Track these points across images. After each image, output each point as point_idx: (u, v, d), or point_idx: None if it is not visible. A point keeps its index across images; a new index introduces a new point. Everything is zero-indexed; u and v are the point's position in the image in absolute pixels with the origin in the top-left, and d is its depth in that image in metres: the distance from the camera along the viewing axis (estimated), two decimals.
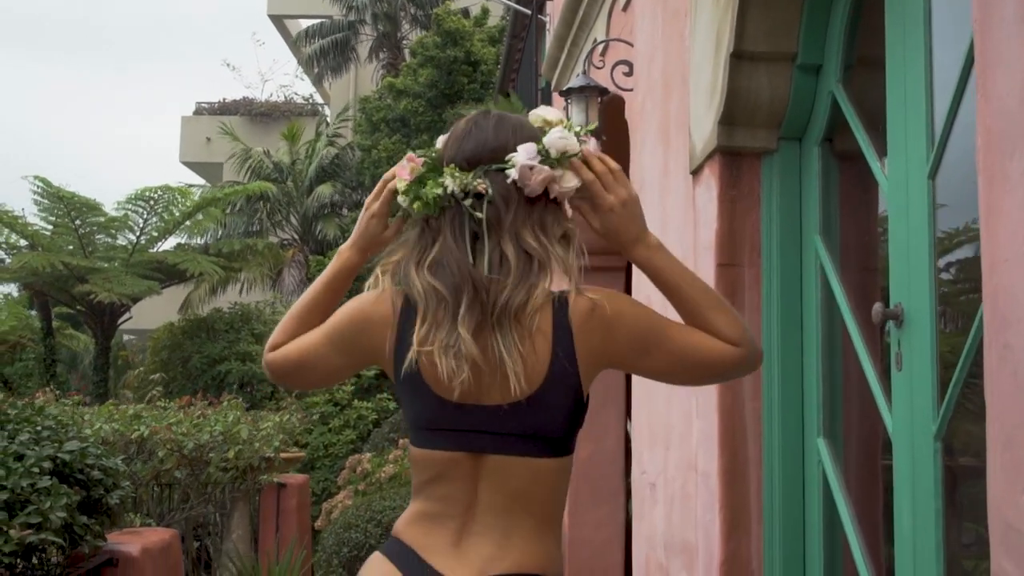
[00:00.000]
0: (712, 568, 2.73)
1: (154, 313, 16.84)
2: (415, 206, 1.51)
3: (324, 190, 16.71)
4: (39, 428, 2.72)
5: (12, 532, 2.34)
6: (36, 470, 2.49)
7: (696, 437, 2.93)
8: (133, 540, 3.33)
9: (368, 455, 9.93)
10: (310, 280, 16.25)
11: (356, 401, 13.50)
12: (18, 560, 2.63)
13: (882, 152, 2.35)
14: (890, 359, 2.21)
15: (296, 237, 17.18)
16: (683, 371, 1.52)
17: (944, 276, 2.14)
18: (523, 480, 1.47)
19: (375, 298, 1.53)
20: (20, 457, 2.53)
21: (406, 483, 9.13)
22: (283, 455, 5.70)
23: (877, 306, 2.20)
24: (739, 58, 2.64)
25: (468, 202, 1.47)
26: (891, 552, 2.25)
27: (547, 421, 1.46)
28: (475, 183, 1.47)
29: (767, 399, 2.68)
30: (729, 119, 2.70)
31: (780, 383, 2.65)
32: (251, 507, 5.35)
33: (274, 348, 1.60)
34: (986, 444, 1.63)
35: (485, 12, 15.82)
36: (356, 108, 17.29)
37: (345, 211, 17.04)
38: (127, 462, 3.16)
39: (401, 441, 9.70)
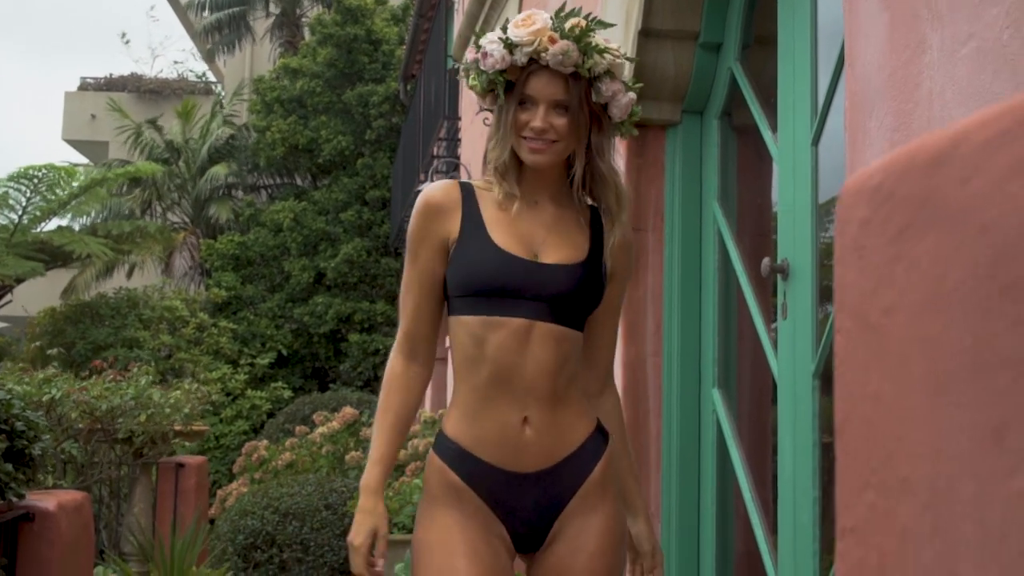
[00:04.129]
0: None
1: (32, 299, 15.99)
2: None
3: (218, 171, 16.12)
4: None
5: None
6: None
7: None
8: (48, 498, 3.35)
9: (264, 442, 9.63)
10: (201, 265, 15.78)
11: (249, 391, 13.05)
12: None
13: (774, 125, 2.58)
14: (777, 310, 2.45)
15: (187, 220, 16.66)
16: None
17: (823, 235, 2.39)
18: None
19: None
20: None
21: (304, 470, 8.81)
22: (192, 427, 5.68)
23: (766, 261, 2.43)
24: (646, 35, 2.84)
25: None
26: (776, 493, 2.49)
27: None
28: None
29: (667, 354, 2.90)
30: (636, 93, 2.90)
31: (680, 338, 2.87)
32: (151, 482, 5.32)
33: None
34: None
35: None
36: (251, 89, 16.68)
37: (240, 193, 16.54)
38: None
39: (298, 429, 9.37)
